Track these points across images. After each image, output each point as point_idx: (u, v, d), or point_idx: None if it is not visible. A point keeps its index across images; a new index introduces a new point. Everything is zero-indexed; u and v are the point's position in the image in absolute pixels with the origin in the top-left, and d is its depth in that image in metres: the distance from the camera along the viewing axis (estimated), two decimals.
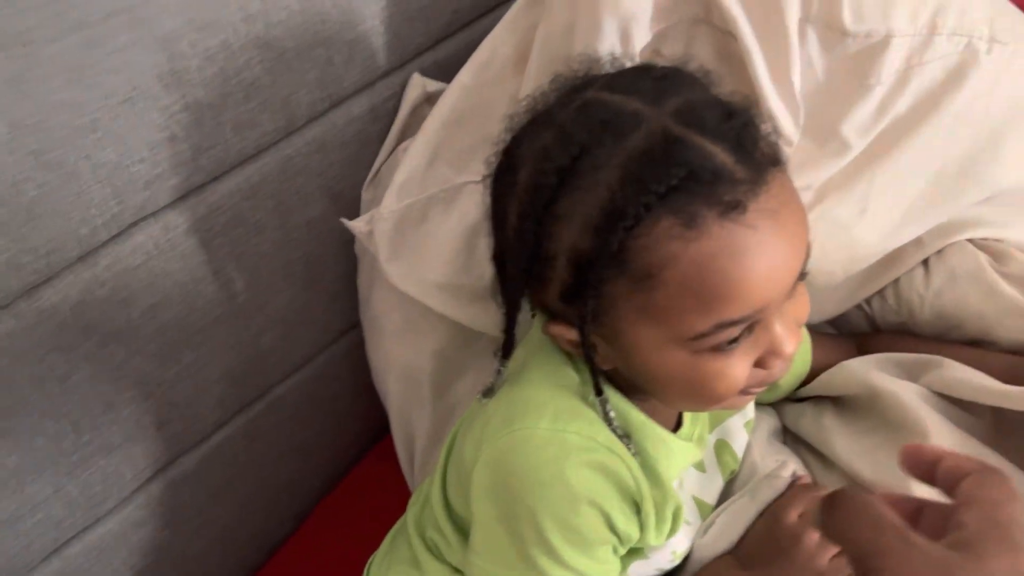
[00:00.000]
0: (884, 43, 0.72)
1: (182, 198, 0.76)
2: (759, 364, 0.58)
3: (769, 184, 0.54)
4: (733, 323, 0.55)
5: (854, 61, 0.73)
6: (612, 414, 0.62)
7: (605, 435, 0.61)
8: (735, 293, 0.54)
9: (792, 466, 0.74)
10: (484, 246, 0.68)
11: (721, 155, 0.53)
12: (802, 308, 0.61)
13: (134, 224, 0.74)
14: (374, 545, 0.81)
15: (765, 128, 0.57)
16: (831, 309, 0.83)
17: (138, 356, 0.79)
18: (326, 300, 0.93)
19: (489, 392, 0.65)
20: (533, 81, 0.76)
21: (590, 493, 0.60)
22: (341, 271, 0.93)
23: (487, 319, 0.76)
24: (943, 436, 0.68)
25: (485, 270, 0.71)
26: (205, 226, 0.78)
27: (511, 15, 0.84)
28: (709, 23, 0.74)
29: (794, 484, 0.73)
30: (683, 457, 0.68)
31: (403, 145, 0.89)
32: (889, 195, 0.76)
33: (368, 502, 1.02)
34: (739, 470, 0.77)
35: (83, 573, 0.83)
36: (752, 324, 0.56)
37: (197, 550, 0.94)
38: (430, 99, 0.91)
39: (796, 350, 0.59)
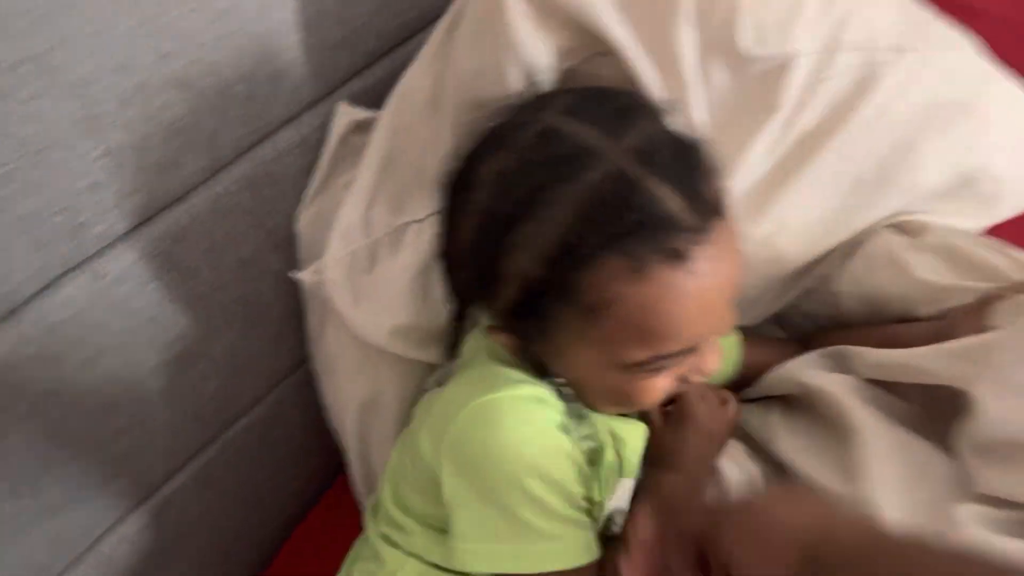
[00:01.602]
0: (788, 64, 0.74)
1: (109, 246, 0.74)
2: (681, 378, 0.63)
3: (711, 233, 0.57)
4: (670, 356, 0.59)
5: (760, 83, 0.74)
6: (564, 390, 0.64)
7: (554, 400, 0.63)
8: (675, 332, 0.58)
9: None
10: (436, 285, 0.70)
11: (672, 200, 0.55)
12: (722, 331, 0.64)
13: (60, 276, 0.72)
14: None
15: (713, 169, 0.60)
16: (762, 311, 0.84)
17: (75, 413, 0.76)
18: (269, 340, 0.91)
19: (441, 381, 0.69)
20: (448, 128, 0.77)
21: (556, 441, 0.61)
22: (283, 309, 0.91)
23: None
24: (870, 428, 0.69)
25: (440, 310, 0.74)
26: (135, 273, 0.76)
27: (427, 51, 0.83)
28: (612, 56, 0.74)
29: None
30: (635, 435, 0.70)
31: (344, 180, 0.88)
32: (807, 208, 0.77)
33: (329, 544, 0.99)
34: None
35: None
36: (681, 357, 0.60)
37: None
38: (359, 127, 0.90)
39: (717, 366, 0.64)
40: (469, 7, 0.78)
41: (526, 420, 0.60)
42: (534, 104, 0.63)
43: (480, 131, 0.63)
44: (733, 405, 0.76)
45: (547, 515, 0.60)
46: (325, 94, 0.87)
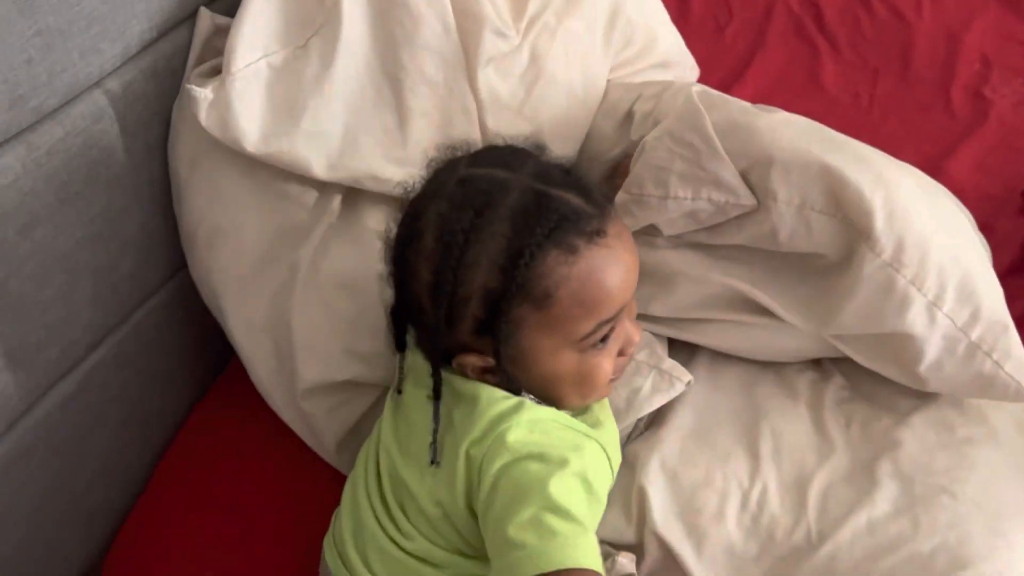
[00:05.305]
0: None
1: (40, 121, 0.83)
2: (619, 354, 0.78)
3: (610, 217, 0.75)
4: (607, 321, 0.74)
5: None
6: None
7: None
8: (607, 297, 0.73)
9: None
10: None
11: (575, 200, 0.73)
12: (634, 308, 0.80)
13: (1, 145, 0.80)
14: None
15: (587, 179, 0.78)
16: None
17: (15, 277, 0.84)
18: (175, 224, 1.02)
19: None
20: None
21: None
22: None
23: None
24: None
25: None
26: (63, 147, 0.85)
27: None
28: None
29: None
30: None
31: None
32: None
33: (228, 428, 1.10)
34: None
35: None
36: (615, 323, 0.75)
37: (82, 486, 0.99)
38: (219, 31, 1.00)
39: (639, 335, 0.79)
40: None
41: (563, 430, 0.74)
42: (445, 169, 0.78)
43: (406, 202, 0.77)
44: None
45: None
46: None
